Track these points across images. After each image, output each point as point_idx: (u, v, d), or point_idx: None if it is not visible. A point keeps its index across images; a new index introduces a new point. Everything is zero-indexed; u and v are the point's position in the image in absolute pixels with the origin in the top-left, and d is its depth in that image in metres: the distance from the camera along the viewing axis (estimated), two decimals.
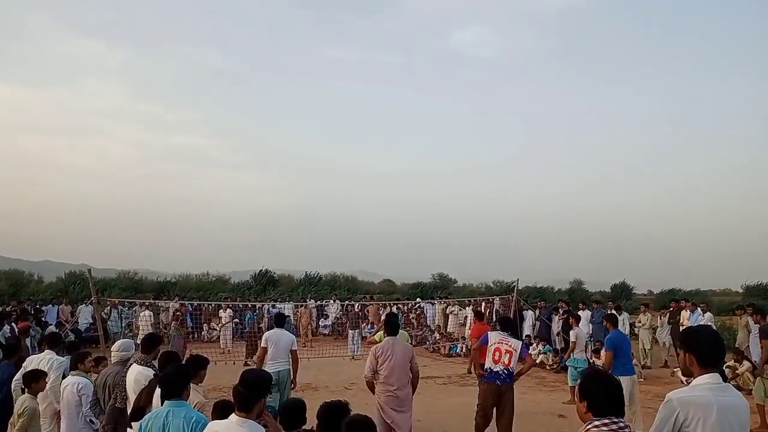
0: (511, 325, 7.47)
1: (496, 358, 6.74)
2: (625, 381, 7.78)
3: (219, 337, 17.87)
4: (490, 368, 6.78)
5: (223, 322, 17.79)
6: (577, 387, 2.74)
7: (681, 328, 13.79)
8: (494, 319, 16.80)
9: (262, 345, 7.86)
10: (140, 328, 16.21)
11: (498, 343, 6.81)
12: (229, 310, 18.18)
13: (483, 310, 12.05)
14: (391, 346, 6.30)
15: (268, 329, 16.64)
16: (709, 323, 12.57)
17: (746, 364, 11.28)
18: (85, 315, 18.30)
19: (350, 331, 16.99)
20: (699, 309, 13.97)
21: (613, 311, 11.49)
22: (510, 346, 6.80)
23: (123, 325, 18.14)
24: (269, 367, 7.53)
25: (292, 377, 7.76)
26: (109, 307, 18.44)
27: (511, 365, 6.75)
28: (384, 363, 6.23)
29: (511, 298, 16.32)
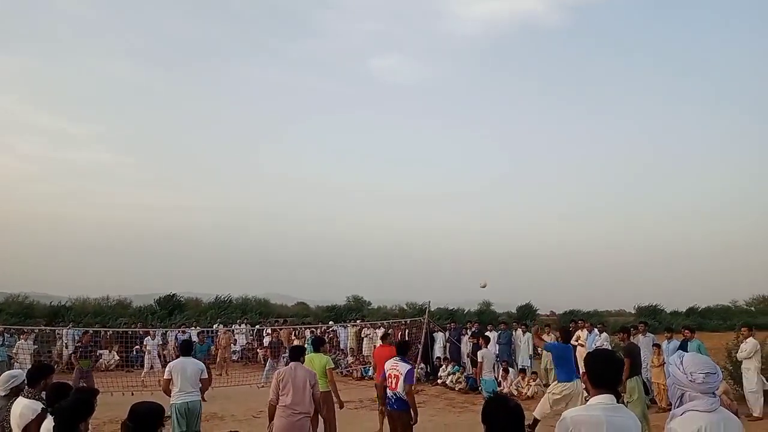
0: (405, 350, 7.48)
1: (389, 384, 6.74)
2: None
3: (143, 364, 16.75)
4: (386, 395, 6.83)
5: (148, 348, 16.71)
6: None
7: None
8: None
9: (165, 377, 7.44)
10: (16, 358, 14.88)
11: (390, 368, 6.79)
12: (158, 337, 17.16)
13: (393, 333, 12.27)
14: (294, 371, 6.42)
15: (174, 357, 15.84)
16: (605, 343, 13.35)
17: None
18: None
19: (270, 361, 16.36)
20: (596, 329, 14.79)
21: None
22: (397, 370, 6.71)
23: (9, 354, 16.60)
24: (177, 398, 7.19)
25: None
26: None
27: (397, 390, 6.63)
28: (285, 386, 6.30)
29: (422, 320, 16.58)
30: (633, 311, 39.15)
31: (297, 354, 6.81)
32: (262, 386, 15.27)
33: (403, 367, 6.71)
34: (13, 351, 15.42)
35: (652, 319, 30.46)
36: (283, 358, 17.91)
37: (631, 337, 11.31)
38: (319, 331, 21.19)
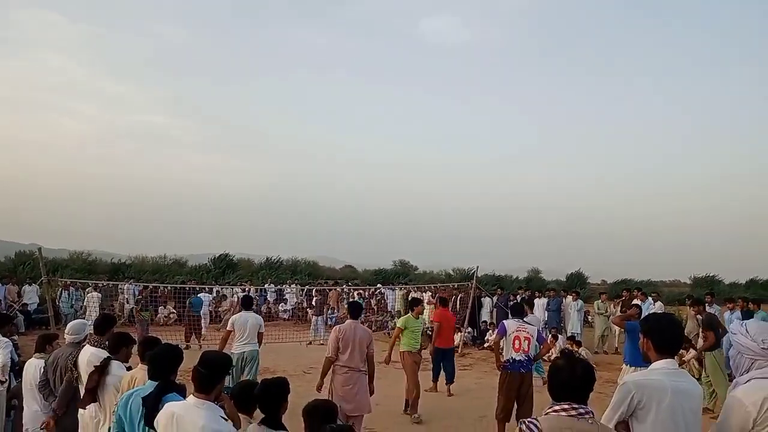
0: (523, 311, 7.55)
1: (517, 346, 6.80)
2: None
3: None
4: (512, 358, 6.84)
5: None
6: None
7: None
8: (458, 306, 17.01)
9: (228, 328, 7.99)
10: (88, 309, 15.86)
11: (517, 331, 6.88)
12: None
13: (449, 298, 12.27)
14: (353, 329, 6.47)
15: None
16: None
17: (692, 351, 11.75)
18: (30, 295, 17.65)
19: (314, 318, 16.92)
20: (650, 298, 14.43)
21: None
22: (527, 332, 6.90)
23: (77, 306, 17.63)
24: (237, 348, 7.75)
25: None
26: (60, 289, 17.88)
27: (529, 352, 6.87)
28: (345, 344, 6.37)
29: (470, 285, 16.53)
30: (689, 281, 37.81)
31: (357, 312, 6.86)
32: (310, 343, 15.75)
33: (532, 329, 7.00)
34: (85, 303, 16.56)
35: (709, 290, 29.46)
36: (330, 317, 18.39)
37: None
38: (367, 293, 21.49)
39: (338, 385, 6.33)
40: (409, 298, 19.77)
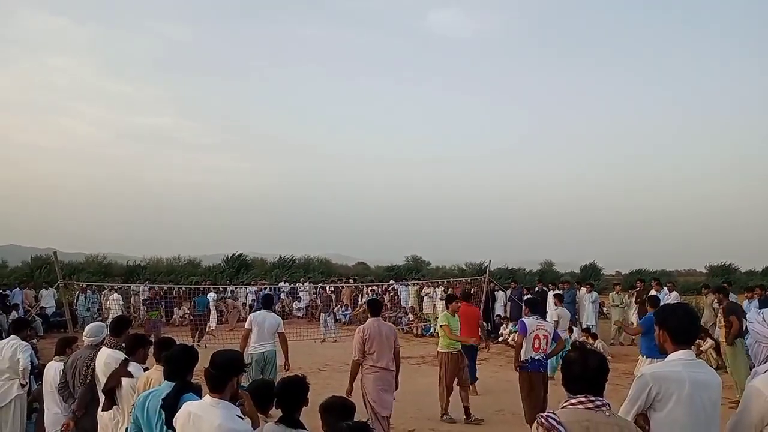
0: (540, 308, 7.35)
1: (536, 345, 6.64)
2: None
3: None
4: (531, 357, 6.66)
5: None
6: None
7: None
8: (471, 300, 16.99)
9: (246, 326, 7.77)
10: (109, 311, 16.04)
11: (537, 329, 6.69)
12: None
13: (469, 292, 12.09)
14: (378, 327, 6.34)
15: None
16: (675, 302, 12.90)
17: (709, 341, 11.64)
18: (47, 299, 17.88)
19: (322, 315, 16.94)
20: (665, 288, 14.31)
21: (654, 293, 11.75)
22: (546, 330, 6.74)
23: (94, 309, 17.80)
24: (254, 349, 7.55)
25: (284, 359, 7.67)
26: (77, 292, 18.08)
27: (548, 350, 6.72)
28: (372, 343, 6.24)
29: (483, 279, 16.48)
30: (705, 270, 37.35)
31: (377, 309, 6.71)
32: (323, 341, 15.82)
33: (550, 327, 6.86)
34: (107, 305, 16.79)
35: (725, 279, 29.13)
36: (344, 314, 18.44)
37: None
38: (380, 289, 21.49)
39: (371, 388, 6.21)
40: (422, 294, 19.85)
